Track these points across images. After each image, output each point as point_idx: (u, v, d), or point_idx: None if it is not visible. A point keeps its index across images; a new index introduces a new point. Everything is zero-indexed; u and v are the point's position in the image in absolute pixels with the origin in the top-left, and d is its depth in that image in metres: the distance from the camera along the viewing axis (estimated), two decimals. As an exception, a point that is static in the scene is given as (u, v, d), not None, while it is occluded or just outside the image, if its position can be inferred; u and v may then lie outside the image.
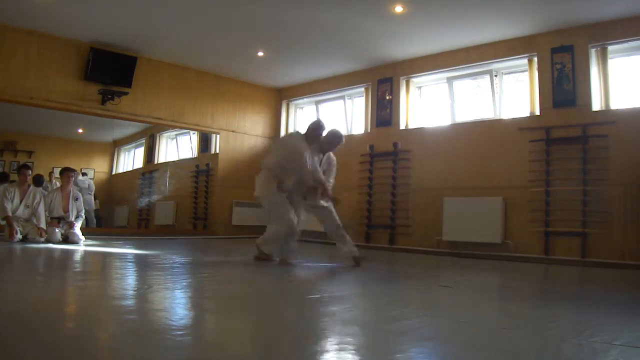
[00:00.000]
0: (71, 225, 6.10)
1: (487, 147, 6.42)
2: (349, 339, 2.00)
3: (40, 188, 6.48)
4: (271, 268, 4.38)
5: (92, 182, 8.36)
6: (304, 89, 9.01)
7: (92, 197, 8.23)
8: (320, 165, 4.61)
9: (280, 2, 5.59)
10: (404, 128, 7.44)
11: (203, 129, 8.61)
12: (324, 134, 4.65)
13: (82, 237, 6.10)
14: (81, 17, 6.22)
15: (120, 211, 8.97)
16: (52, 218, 6.11)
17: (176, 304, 2.66)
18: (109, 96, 7.25)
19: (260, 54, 7.44)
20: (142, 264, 4.46)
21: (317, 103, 8.93)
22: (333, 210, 4.68)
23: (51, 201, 6.14)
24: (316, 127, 4.62)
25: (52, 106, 6.85)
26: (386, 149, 7.42)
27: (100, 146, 8.89)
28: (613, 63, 5.76)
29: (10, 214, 5.82)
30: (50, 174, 7.77)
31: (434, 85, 7.49)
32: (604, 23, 5.57)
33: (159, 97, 7.91)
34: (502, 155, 6.27)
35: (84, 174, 8.26)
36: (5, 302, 2.42)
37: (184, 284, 3.37)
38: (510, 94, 6.74)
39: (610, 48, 5.69)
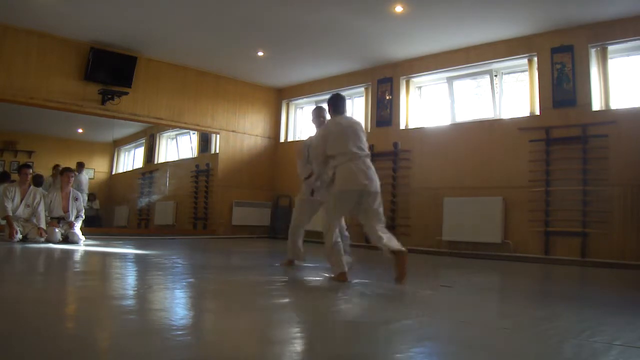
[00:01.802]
0: (71, 225, 6.10)
1: (487, 147, 6.41)
2: (349, 339, 2.00)
3: (41, 188, 6.48)
4: (271, 268, 4.38)
5: (86, 178, 8.26)
6: (304, 89, 9.01)
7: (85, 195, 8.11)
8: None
9: (280, 2, 5.59)
10: (404, 128, 7.44)
11: (203, 129, 8.61)
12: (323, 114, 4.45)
13: (82, 237, 6.10)
14: (81, 17, 6.21)
15: (120, 211, 8.97)
16: (52, 218, 6.11)
17: (176, 304, 2.66)
18: (109, 96, 7.25)
19: (260, 54, 7.44)
20: (142, 264, 4.46)
21: (317, 103, 8.92)
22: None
23: (51, 201, 6.14)
24: (314, 114, 4.47)
25: (52, 106, 6.85)
26: (386, 149, 7.42)
27: (100, 146, 8.89)
28: (613, 63, 5.75)
29: (10, 213, 5.82)
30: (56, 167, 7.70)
31: (434, 85, 7.49)
32: (603, 23, 5.57)
33: (159, 97, 7.91)
34: (502, 155, 6.26)
35: (80, 165, 8.12)
36: (5, 302, 2.43)
37: (184, 284, 3.37)
38: (510, 94, 6.73)
39: (610, 48, 5.69)
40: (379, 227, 3.61)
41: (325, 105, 4.32)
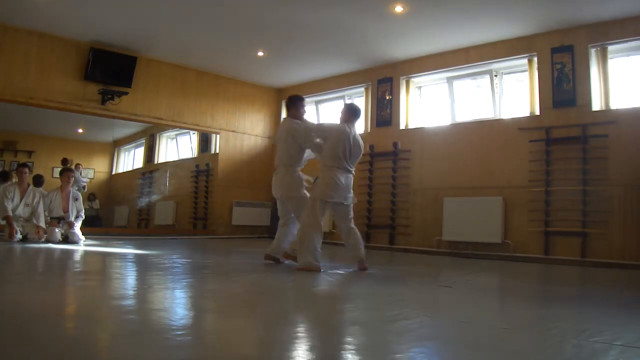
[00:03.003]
0: (71, 225, 6.11)
1: (487, 147, 6.42)
2: (349, 339, 2.00)
3: (41, 188, 6.48)
4: (271, 269, 4.38)
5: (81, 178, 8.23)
6: (304, 89, 8.99)
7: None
8: None
9: (280, 2, 5.59)
10: (404, 128, 7.44)
11: (203, 129, 8.61)
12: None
13: (82, 237, 6.10)
14: (81, 17, 6.22)
15: (120, 211, 8.97)
16: (51, 218, 6.11)
17: (176, 304, 2.66)
18: (109, 96, 7.25)
19: (260, 54, 7.44)
20: (142, 264, 4.46)
21: (317, 103, 8.93)
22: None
23: (51, 201, 6.14)
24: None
25: (52, 106, 6.85)
26: (386, 149, 7.42)
27: (100, 146, 8.90)
28: (613, 63, 5.76)
29: (10, 213, 5.82)
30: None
31: (434, 85, 7.49)
32: (603, 23, 5.57)
33: (159, 97, 7.91)
34: (502, 155, 6.27)
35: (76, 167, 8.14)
36: (5, 302, 2.42)
37: (184, 284, 3.37)
38: (510, 94, 6.73)
39: (610, 48, 5.69)
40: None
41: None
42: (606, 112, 5.59)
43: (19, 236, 5.78)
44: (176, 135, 9.36)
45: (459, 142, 6.71)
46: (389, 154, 7.39)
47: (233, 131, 8.85)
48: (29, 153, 7.70)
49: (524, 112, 6.29)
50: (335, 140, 4.26)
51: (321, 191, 4.22)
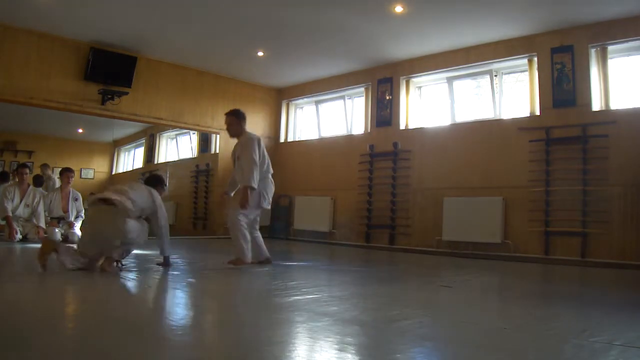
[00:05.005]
0: (71, 225, 6.11)
1: (487, 147, 6.41)
2: (349, 339, 2.00)
3: (40, 188, 6.49)
4: (270, 268, 4.38)
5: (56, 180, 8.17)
6: (304, 89, 9.01)
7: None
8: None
9: (280, 2, 5.59)
10: (404, 128, 7.44)
11: (203, 129, 8.61)
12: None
13: (82, 237, 6.10)
14: (81, 17, 6.21)
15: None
16: (51, 218, 6.11)
17: (176, 304, 2.67)
18: (109, 96, 7.25)
19: (260, 54, 7.44)
20: (142, 264, 4.46)
21: (317, 103, 8.93)
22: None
23: (50, 201, 6.15)
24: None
25: (52, 106, 6.84)
26: (386, 149, 7.42)
27: (100, 146, 8.91)
28: (613, 63, 5.75)
29: (10, 213, 5.83)
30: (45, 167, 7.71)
31: (434, 85, 7.49)
32: (603, 23, 5.57)
33: (159, 97, 7.91)
34: (502, 155, 6.27)
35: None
36: (5, 302, 2.43)
37: (184, 284, 3.37)
38: (510, 94, 6.73)
39: (610, 48, 5.69)
40: None
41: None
42: (606, 112, 5.59)
43: (19, 236, 5.79)
44: (176, 135, 9.37)
45: (459, 142, 6.71)
46: (389, 154, 7.39)
47: (233, 131, 8.84)
48: (29, 153, 7.71)
49: (524, 112, 6.29)
50: (263, 150, 4.49)
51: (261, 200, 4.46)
